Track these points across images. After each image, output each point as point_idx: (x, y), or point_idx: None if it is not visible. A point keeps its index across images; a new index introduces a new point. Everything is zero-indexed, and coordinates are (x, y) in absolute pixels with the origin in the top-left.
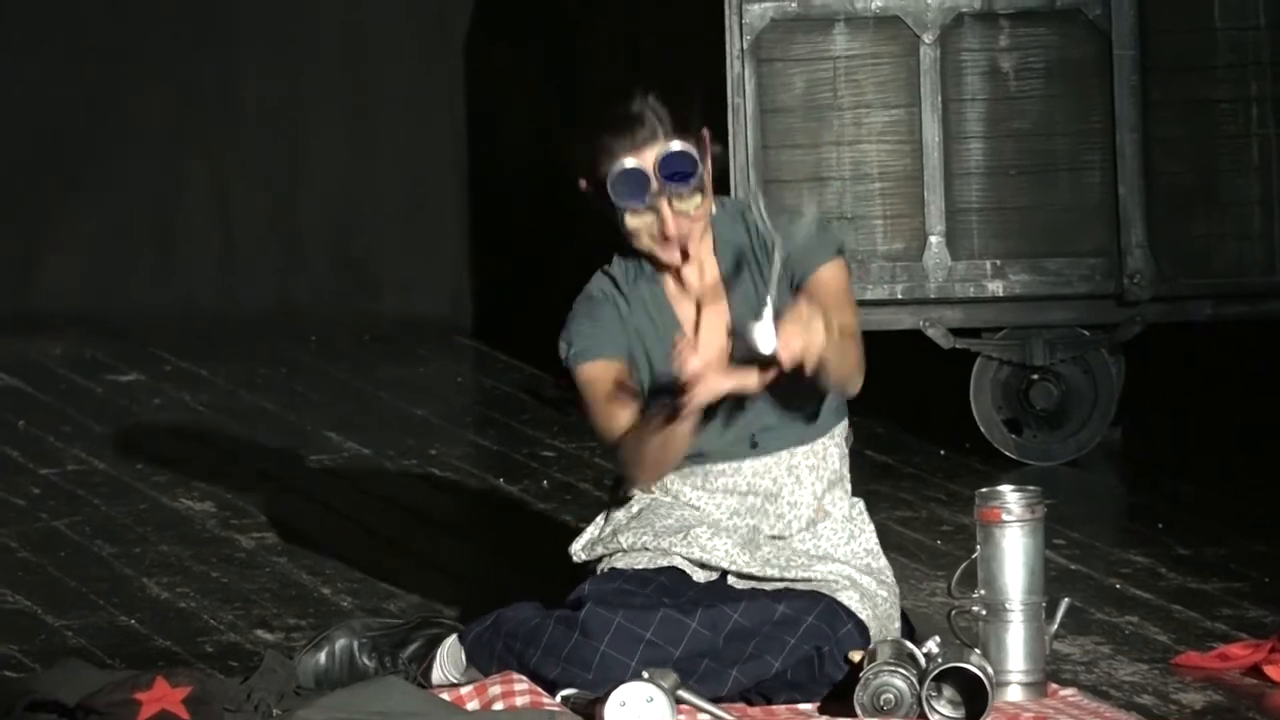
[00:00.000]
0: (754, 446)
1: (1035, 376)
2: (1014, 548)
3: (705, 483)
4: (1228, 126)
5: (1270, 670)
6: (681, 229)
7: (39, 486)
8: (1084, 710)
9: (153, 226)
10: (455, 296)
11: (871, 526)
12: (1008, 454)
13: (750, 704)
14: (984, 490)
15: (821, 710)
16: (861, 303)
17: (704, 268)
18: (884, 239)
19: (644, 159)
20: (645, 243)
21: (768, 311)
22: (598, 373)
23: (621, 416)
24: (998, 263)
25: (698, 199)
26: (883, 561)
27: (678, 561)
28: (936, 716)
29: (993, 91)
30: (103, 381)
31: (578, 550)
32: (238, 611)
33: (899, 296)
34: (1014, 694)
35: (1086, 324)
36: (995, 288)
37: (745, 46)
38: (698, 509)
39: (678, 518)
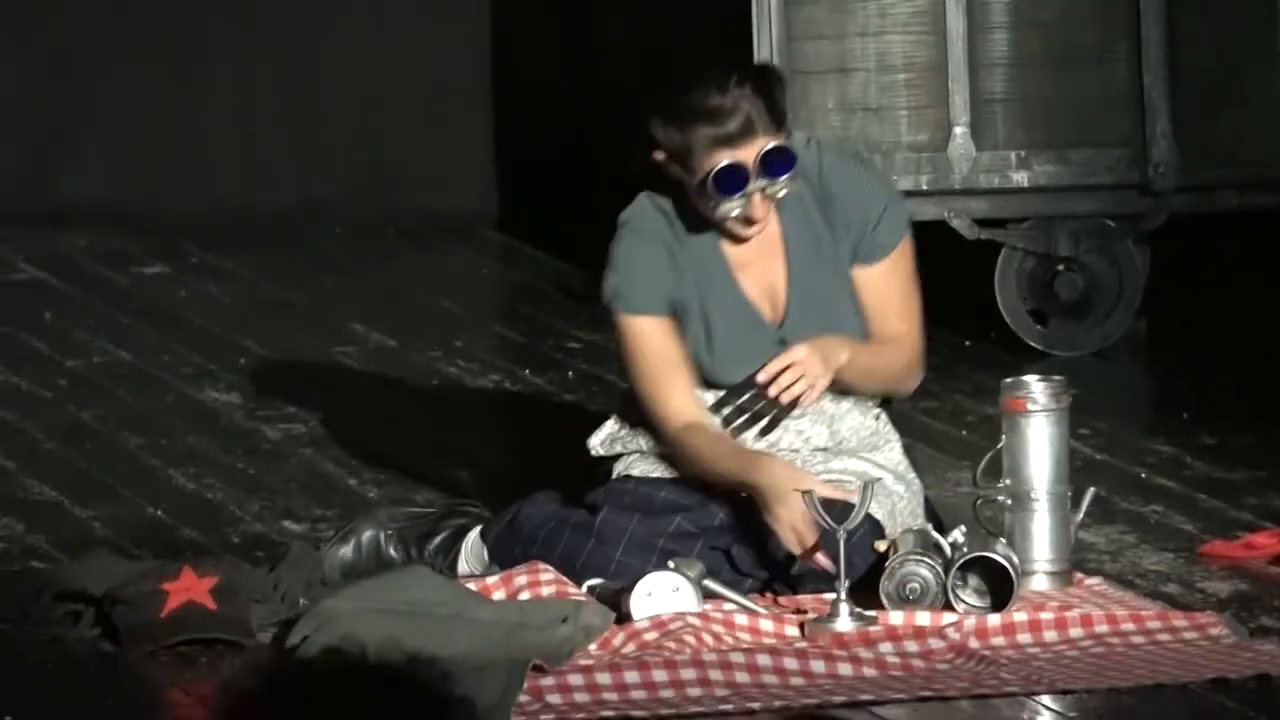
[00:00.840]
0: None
1: (1060, 267)
2: (1039, 438)
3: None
4: (1254, 17)
5: None
6: (766, 212)
7: (65, 378)
8: (1109, 599)
9: (178, 120)
10: (482, 189)
11: (897, 438)
12: (1033, 344)
13: (777, 594)
14: (1009, 380)
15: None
16: None
17: (770, 245)
18: (909, 130)
19: (743, 155)
20: (725, 222)
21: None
22: (649, 330)
23: (678, 397)
24: (1022, 153)
25: (786, 184)
26: (905, 463)
27: None
28: (962, 605)
29: None
30: (129, 274)
31: (595, 445)
32: (264, 502)
33: (924, 187)
34: (1039, 583)
35: (1111, 214)
36: (1020, 178)
37: None
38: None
39: None
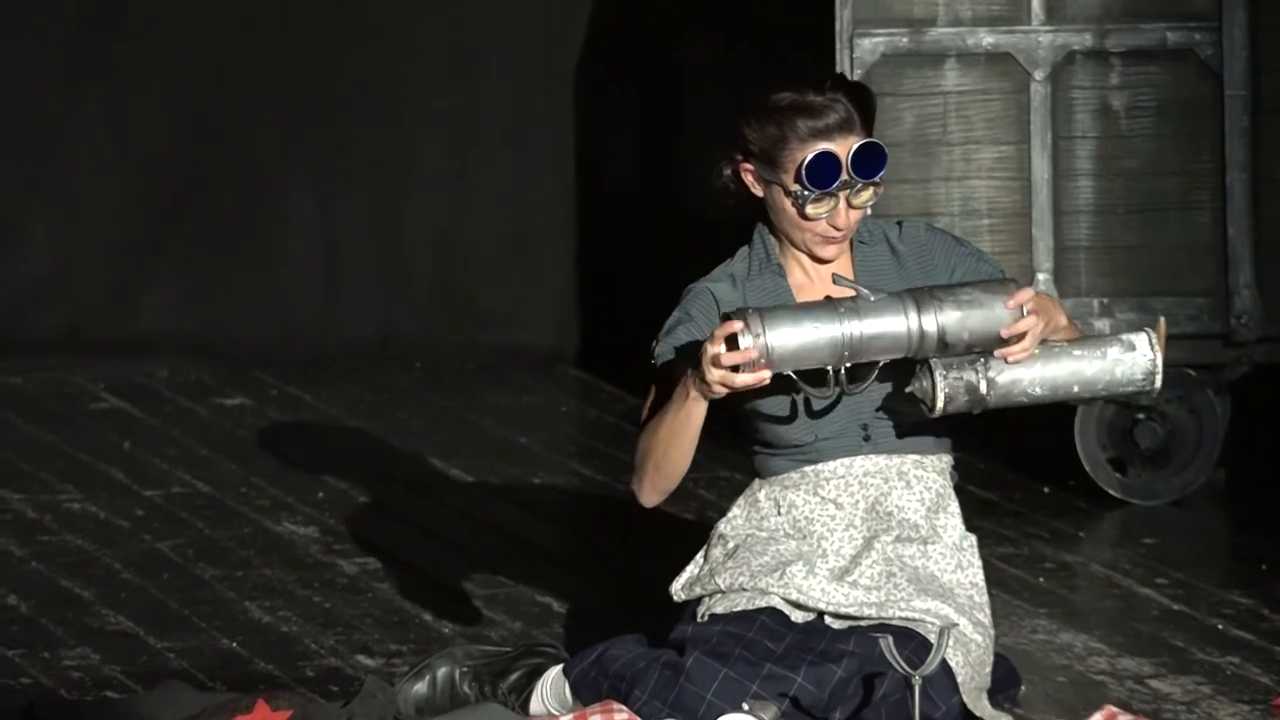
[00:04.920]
0: (866, 440)
1: (1141, 415)
2: None
3: (817, 489)
4: None
5: None
6: (850, 223)
7: (143, 508)
8: None
9: (259, 252)
10: (560, 325)
11: (980, 564)
12: (1112, 492)
13: None
14: None
15: None
16: None
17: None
18: None
19: (839, 147)
20: (806, 234)
21: None
22: (668, 378)
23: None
24: (1105, 301)
25: (872, 195)
26: (984, 600)
27: (775, 602)
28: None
29: (1103, 130)
30: (208, 405)
31: (677, 590)
32: (339, 636)
33: None
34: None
35: (1193, 364)
36: (1102, 326)
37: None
38: (794, 539)
39: (773, 554)
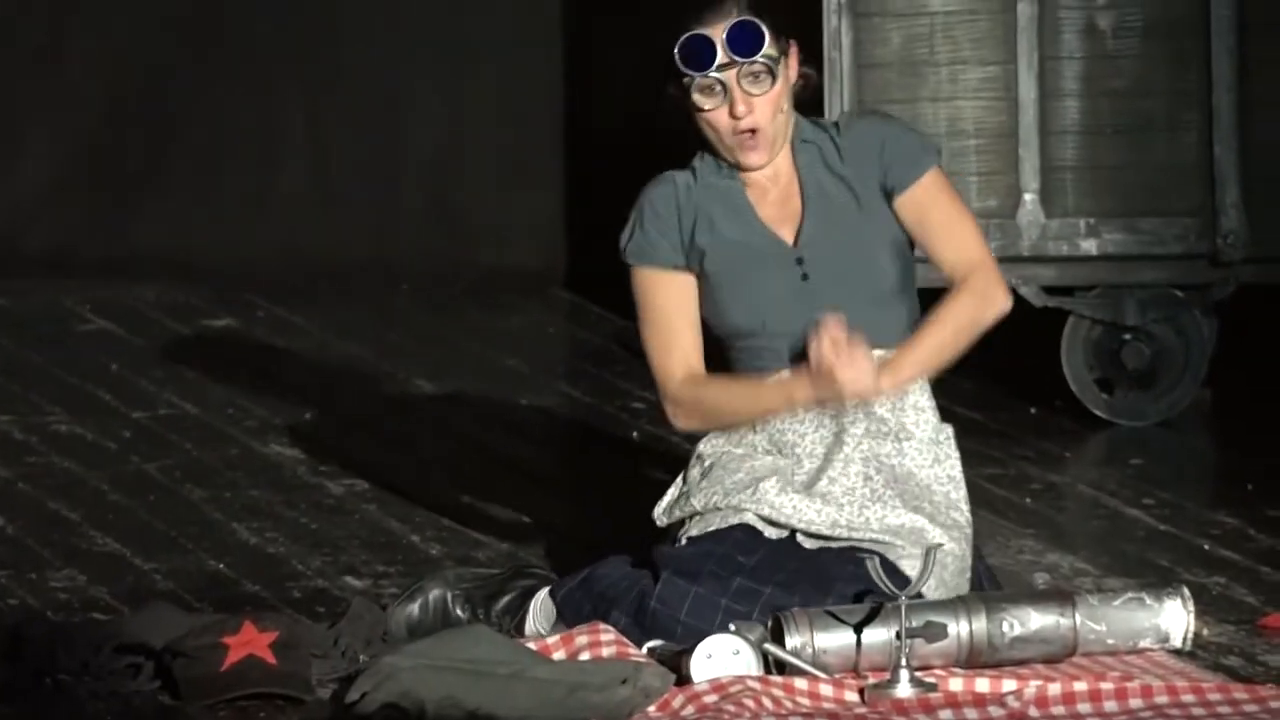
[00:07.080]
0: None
1: (1127, 336)
2: None
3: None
4: None
5: None
6: (753, 113)
7: (130, 430)
8: (1170, 670)
9: (249, 173)
10: (549, 248)
11: (956, 456)
12: (1098, 413)
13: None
14: None
15: None
16: None
17: (787, 186)
18: (978, 196)
19: (714, 31)
20: (724, 138)
21: None
22: (657, 283)
23: (681, 350)
24: (1091, 221)
25: (768, 84)
26: (961, 494)
27: (749, 518)
28: None
29: (1090, 49)
30: (196, 326)
31: (659, 515)
32: (326, 558)
33: (993, 253)
34: None
35: (1179, 284)
36: (1089, 246)
37: (843, 1)
38: (770, 455)
39: (748, 469)
